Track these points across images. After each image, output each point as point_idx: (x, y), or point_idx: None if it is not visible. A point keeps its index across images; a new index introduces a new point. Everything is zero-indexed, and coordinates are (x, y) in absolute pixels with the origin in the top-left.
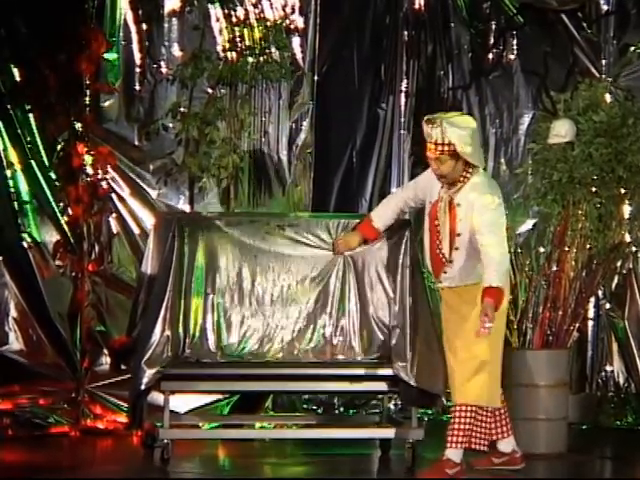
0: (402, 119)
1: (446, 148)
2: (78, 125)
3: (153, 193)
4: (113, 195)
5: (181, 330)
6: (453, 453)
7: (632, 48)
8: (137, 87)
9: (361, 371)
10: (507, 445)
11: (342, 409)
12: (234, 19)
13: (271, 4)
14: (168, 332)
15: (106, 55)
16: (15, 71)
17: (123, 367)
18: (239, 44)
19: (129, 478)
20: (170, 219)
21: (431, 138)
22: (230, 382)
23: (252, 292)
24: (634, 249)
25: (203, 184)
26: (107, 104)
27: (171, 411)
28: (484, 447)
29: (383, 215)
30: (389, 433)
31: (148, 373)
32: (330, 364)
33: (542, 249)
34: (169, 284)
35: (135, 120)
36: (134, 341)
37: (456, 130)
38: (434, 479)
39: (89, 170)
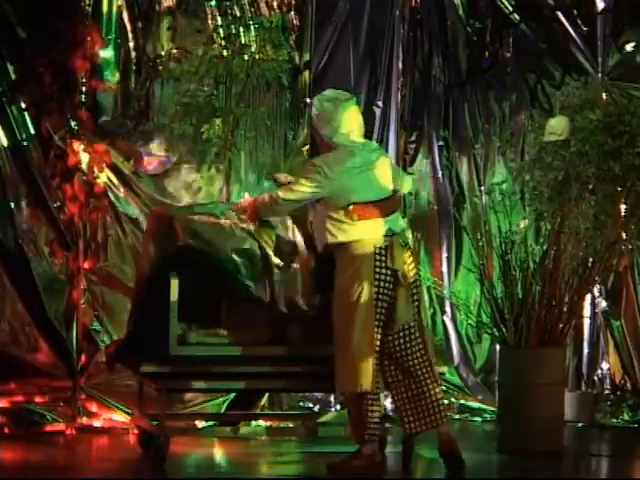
0: (398, 117)
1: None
2: (74, 123)
3: (149, 191)
4: (109, 193)
5: (178, 327)
6: (366, 447)
7: (628, 46)
8: (133, 85)
9: None
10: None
11: (338, 407)
12: (230, 17)
13: (267, 2)
14: (165, 330)
15: (102, 53)
16: (11, 69)
17: (118, 365)
18: (235, 42)
19: (125, 477)
20: (166, 217)
21: None
22: (226, 380)
23: (248, 287)
24: (630, 247)
25: (198, 181)
26: (103, 102)
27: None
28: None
29: None
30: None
31: (144, 371)
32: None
33: (538, 247)
34: (166, 281)
35: (131, 118)
36: (130, 335)
37: (316, 105)
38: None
39: (85, 168)
